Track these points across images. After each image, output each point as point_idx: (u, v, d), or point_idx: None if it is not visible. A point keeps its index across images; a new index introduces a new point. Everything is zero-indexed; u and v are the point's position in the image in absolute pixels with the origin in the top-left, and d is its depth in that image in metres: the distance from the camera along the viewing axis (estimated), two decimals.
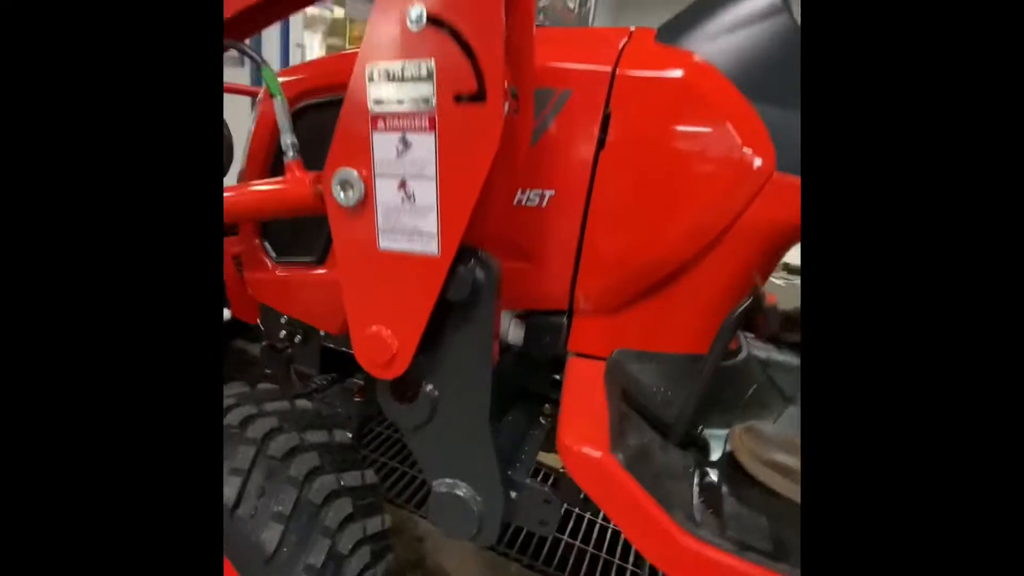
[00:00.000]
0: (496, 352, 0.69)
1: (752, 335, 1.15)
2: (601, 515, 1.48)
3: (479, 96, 0.52)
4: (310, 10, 3.98)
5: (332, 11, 4.12)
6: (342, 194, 0.60)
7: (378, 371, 0.67)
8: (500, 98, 0.52)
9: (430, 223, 0.58)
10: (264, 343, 1.21)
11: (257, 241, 1.10)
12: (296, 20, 3.78)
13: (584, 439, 0.64)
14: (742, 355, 0.94)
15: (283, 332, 1.16)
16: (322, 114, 0.91)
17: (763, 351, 1.03)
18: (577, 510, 1.49)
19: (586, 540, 1.38)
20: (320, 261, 1.02)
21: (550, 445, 1.03)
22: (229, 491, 0.70)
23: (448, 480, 0.74)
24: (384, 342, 0.65)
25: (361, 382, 1.15)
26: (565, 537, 1.38)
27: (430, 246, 0.59)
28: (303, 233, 1.02)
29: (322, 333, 1.13)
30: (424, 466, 0.76)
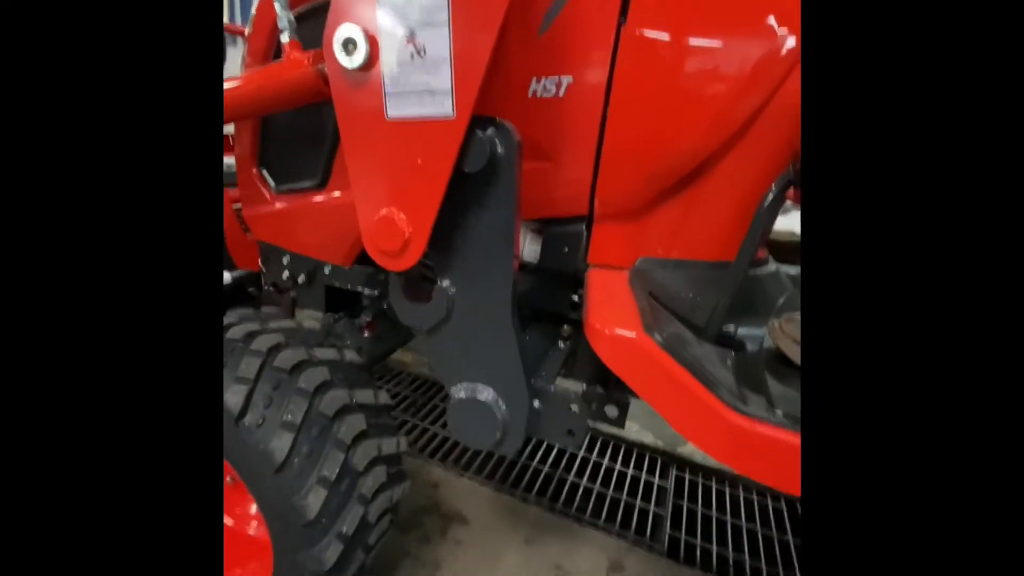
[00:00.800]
0: (519, 238, 0.63)
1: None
2: (619, 459, 1.45)
3: None
4: None
5: None
6: (345, 55, 0.55)
7: (390, 261, 0.62)
8: None
9: (443, 78, 0.53)
10: (266, 285, 1.16)
11: (255, 171, 1.04)
12: None
13: (615, 321, 0.59)
14: (771, 267, 0.89)
15: (286, 273, 1.11)
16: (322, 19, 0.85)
17: (791, 268, 0.99)
18: (595, 456, 1.45)
19: (605, 484, 1.34)
20: (322, 185, 0.96)
21: (568, 371, 0.98)
22: (234, 399, 0.65)
23: (468, 385, 0.69)
24: (396, 226, 0.60)
25: (369, 318, 1.10)
26: (584, 482, 1.34)
27: (444, 106, 0.54)
28: (303, 155, 0.96)
29: (327, 271, 1.07)
30: (442, 371, 0.71)
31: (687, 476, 1.40)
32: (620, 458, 1.45)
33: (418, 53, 0.53)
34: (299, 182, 0.98)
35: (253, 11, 0.96)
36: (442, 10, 0.51)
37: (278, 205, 1.03)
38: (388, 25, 0.53)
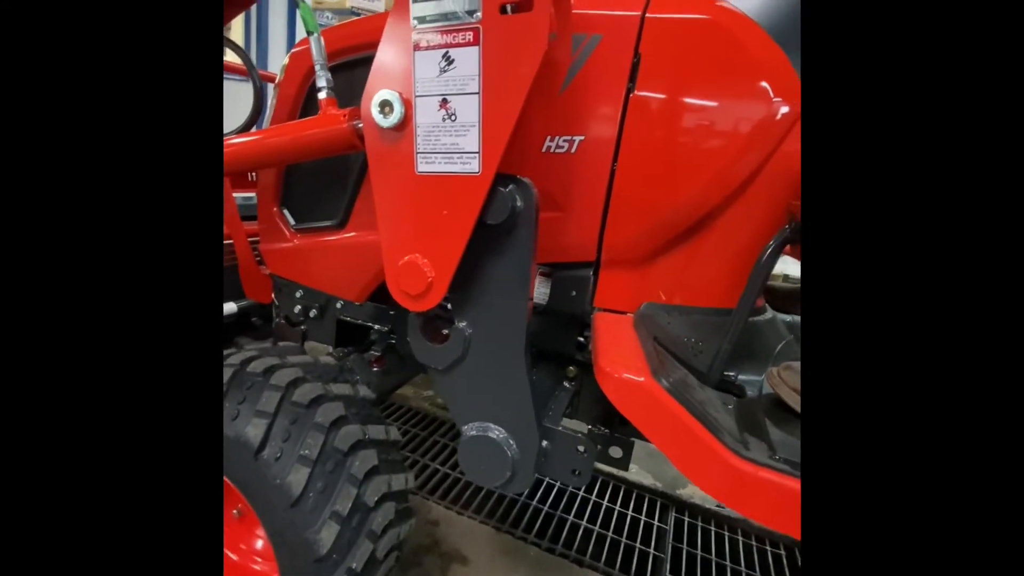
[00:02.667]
0: (534, 286, 0.67)
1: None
2: (619, 500, 1.45)
3: (525, 4, 0.53)
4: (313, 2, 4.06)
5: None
6: (381, 116, 0.60)
7: (412, 303, 0.66)
8: (547, 5, 0.52)
9: (471, 141, 0.58)
10: (277, 318, 1.19)
11: (276, 209, 1.09)
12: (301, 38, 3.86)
13: (625, 366, 0.63)
14: (768, 315, 0.94)
15: (298, 307, 1.14)
16: (353, 73, 0.91)
17: (787, 316, 1.03)
18: (595, 496, 1.45)
19: (605, 525, 1.34)
20: (341, 225, 1.01)
21: (573, 411, 1.01)
22: (254, 432, 0.68)
23: (480, 423, 0.72)
24: (420, 270, 0.64)
25: (379, 353, 1.12)
26: (584, 522, 1.34)
27: (471, 165, 0.59)
28: (324, 197, 1.01)
29: (338, 305, 1.11)
30: (455, 410, 0.73)
31: (686, 519, 1.40)
32: (620, 499, 1.45)
33: (450, 117, 0.58)
34: (319, 222, 1.03)
35: (286, 60, 1.03)
36: (474, 80, 0.57)
37: (296, 242, 1.07)
38: (423, 91, 0.59)
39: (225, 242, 1.61)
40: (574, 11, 0.76)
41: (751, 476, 0.55)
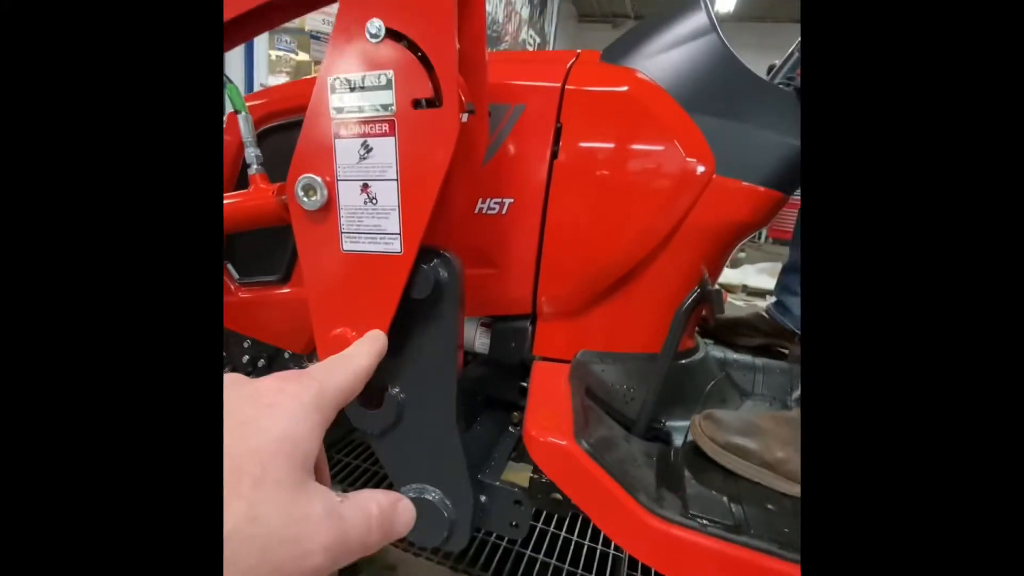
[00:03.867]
0: (461, 354, 0.70)
1: (711, 341, 1.21)
2: (576, 531, 1.47)
3: (435, 101, 0.56)
4: (275, 53, 4.05)
5: (296, 54, 4.21)
6: (306, 199, 0.62)
7: None
8: (455, 101, 0.56)
9: (392, 223, 0.61)
10: (227, 368, 1.18)
11: None
12: (261, 63, 3.84)
13: (548, 429, 0.66)
14: (700, 354, 0.99)
15: (246, 357, 1.14)
16: (283, 135, 0.93)
17: (720, 351, 1.09)
18: (552, 528, 1.47)
19: (562, 558, 1.36)
20: (284, 280, 1.02)
21: (519, 455, 1.03)
22: None
23: (416, 485, 0.73)
24: (349, 343, 0.65)
25: None
26: (542, 556, 1.36)
27: (393, 245, 0.61)
28: (266, 252, 1.02)
29: (286, 355, 1.11)
30: (392, 473, 0.75)
31: None
32: (577, 530, 1.48)
33: (371, 200, 0.61)
34: (262, 276, 1.03)
35: (225, 119, 1.04)
36: (391, 168, 0.59)
37: (241, 295, 1.08)
38: (345, 176, 0.61)
39: None
40: (501, 81, 0.81)
41: (663, 534, 0.58)
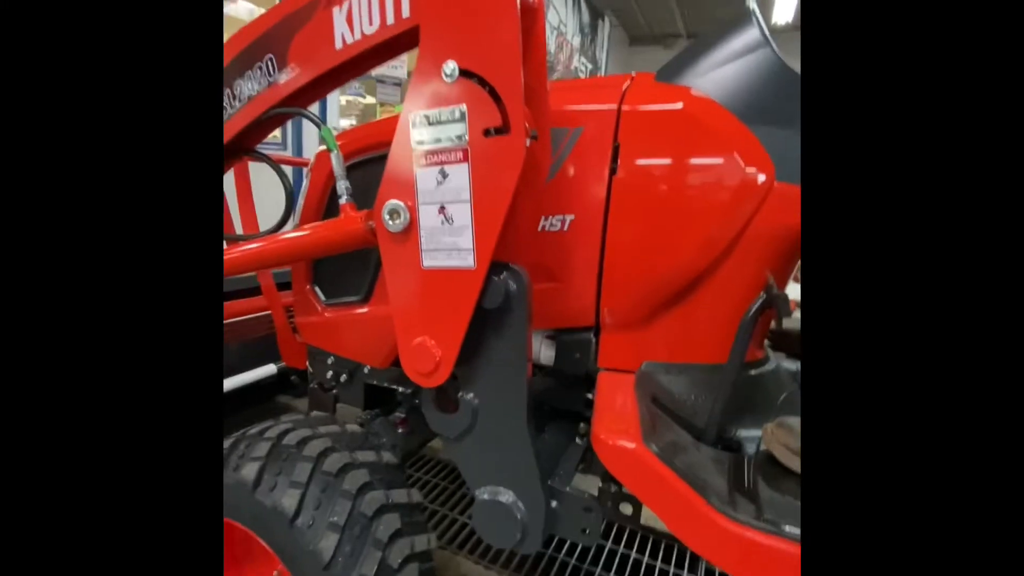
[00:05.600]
0: (530, 360, 0.75)
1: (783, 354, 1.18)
2: (647, 551, 1.44)
3: (504, 129, 0.63)
4: (344, 98, 4.41)
5: (364, 97, 4.56)
6: (391, 222, 0.70)
7: (423, 380, 0.74)
8: (522, 128, 0.62)
9: (466, 240, 0.67)
10: (312, 383, 1.29)
11: (308, 287, 1.21)
12: (332, 107, 4.19)
13: (617, 433, 0.68)
14: (771, 365, 0.97)
15: (330, 372, 1.24)
16: (367, 169, 1.04)
17: (793, 364, 1.06)
18: (621, 548, 1.45)
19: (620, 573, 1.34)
20: (365, 299, 1.12)
21: (588, 465, 1.05)
22: (289, 502, 0.76)
23: (491, 487, 0.77)
24: (429, 351, 0.72)
25: (403, 415, 1.20)
26: (608, 575, 1.34)
27: (467, 260, 0.68)
28: (349, 276, 1.13)
29: (366, 371, 1.20)
30: (467, 475, 0.80)
31: (703, 565, 1.38)
32: (648, 550, 1.45)
33: (447, 221, 0.68)
34: (346, 297, 1.14)
35: (313, 159, 1.17)
36: (465, 190, 0.66)
37: (327, 315, 1.18)
38: (424, 200, 0.69)
39: (264, 313, 1.77)
40: (560, 107, 0.87)
41: (737, 536, 0.59)
